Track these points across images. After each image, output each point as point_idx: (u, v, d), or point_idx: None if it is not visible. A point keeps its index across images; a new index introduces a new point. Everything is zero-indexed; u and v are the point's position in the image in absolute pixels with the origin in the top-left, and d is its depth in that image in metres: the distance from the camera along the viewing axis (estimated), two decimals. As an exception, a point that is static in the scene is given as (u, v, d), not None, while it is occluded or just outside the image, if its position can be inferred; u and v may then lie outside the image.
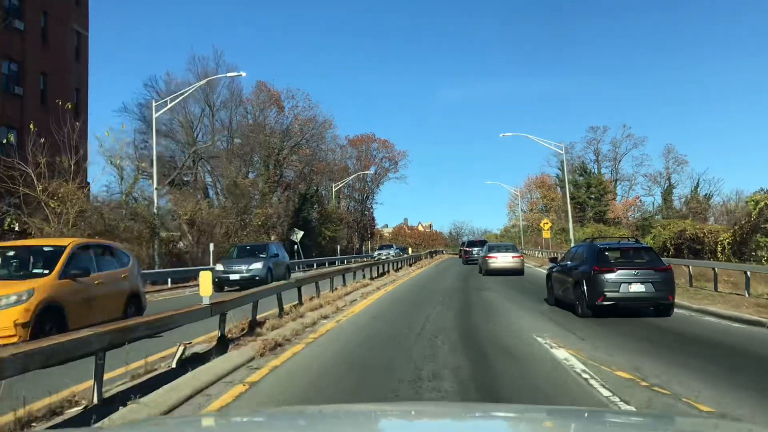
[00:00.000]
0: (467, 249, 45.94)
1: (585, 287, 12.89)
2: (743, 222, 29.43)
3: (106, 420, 5.47)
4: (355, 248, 68.92)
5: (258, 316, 11.27)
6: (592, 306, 12.82)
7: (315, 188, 57.69)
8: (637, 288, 12.64)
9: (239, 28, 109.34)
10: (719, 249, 29.84)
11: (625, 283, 12.60)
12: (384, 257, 44.46)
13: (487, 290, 20.80)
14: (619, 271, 12.74)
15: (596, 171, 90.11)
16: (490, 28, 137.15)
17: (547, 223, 55.86)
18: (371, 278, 23.89)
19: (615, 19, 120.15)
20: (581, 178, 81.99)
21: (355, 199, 74.60)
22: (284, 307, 13.05)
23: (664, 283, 12.78)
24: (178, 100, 28.10)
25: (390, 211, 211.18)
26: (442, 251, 79.70)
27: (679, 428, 2.86)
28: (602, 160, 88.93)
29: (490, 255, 28.90)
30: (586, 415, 3.57)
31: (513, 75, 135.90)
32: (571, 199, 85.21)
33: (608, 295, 12.60)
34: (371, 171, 74.18)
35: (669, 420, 3.50)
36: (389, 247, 62.01)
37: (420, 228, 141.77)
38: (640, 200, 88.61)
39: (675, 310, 14.25)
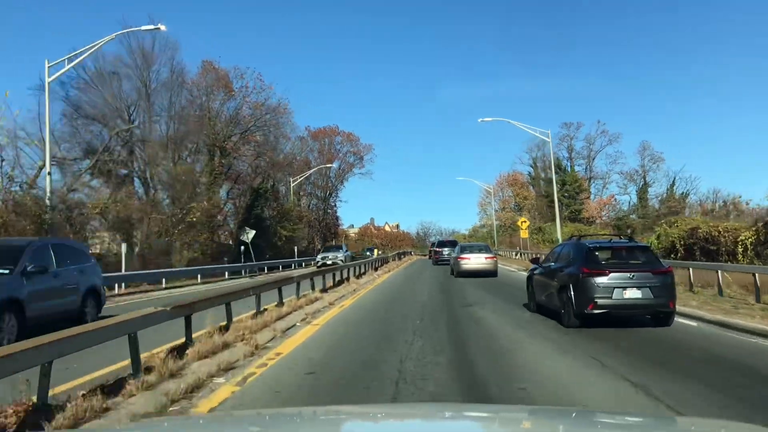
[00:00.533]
0: (437, 249, 44.21)
1: (572, 292, 11.20)
2: (768, 219, 24.88)
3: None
4: (317, 249, 62.89)
5: (87, 378, 5.55)
6: (580, 314, 11.07)
7: (271, 183, 51.63)
8: (632, 294, 10.92)
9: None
10: (740, 250, 25.15)
11: (619, 287, 10.92)
12: (330, 262, 38.04)
13: (475, 305, 15.45)
14: (612, 274, 11.02)
15: (569, 168, 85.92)
16: (462, 26, 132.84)
17: (524, 222, 50.99)
18: (323, 290, 18.20)
19: (592, 19, 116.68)
20: (555, 175, 77.48)
21: (317, 196, 68.55)
22: (157, 353, 7.34)
23: (663, 287, 11.03)
24: (78, 60, 22.05)
25: (356, 212, 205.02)
26: (411, 252, 74.35)
27: (679, 429, 2.73)
28: (575, 158, 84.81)
29: (463, 256, 27.19)
30: (573, 415, 3.32)
31: (483, 75, 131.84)
32: (545, 196, 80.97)
33: (599, 302, 10.88)
34: (334, 165, 68.42)
35: (670, 421, 3.40)
36: (337, 248, 47.50)
37: (387, 228, 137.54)
38: (615, 199, 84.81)
39: (734, 335, 10.63)
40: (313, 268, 29.66)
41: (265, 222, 46.78)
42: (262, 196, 46.61)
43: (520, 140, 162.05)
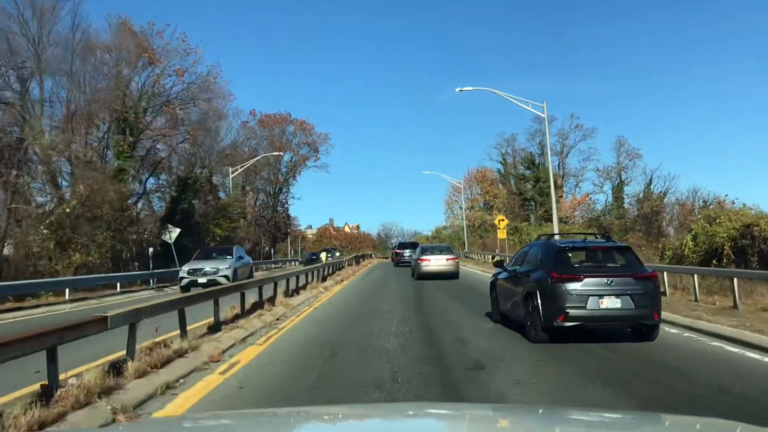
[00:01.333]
0: (398, 251, 42.80)
1: (539, 301, 9.51)
2: None
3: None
4: (264, 252, 54.48)
5: None
6: (549, 327, 9.30)
7: (207, 173, 43.06)
8: (610, 303, 9.24)
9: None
10: (818, 255, 18.36)
11: (595, 295, 9.22)
12: (204, 280, 22.01)
13: (492, 364, 7.87)
14: (587, 280, 9.32)
15: (543, 164, 79.06)
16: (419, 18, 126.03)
17: (503, 220, 43.87)
18: (214, 326, 10.25)
19: (589, 19, 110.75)
20: (528, 171, 71.03)
21: (266, 192, 59.79)
22: None
23: (646, 295, 9.35)
24: None
25: (315, 212, 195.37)
26: (371, 255, 66.47)
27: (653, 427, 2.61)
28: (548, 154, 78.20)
29: (423, 258, 25.96)
30: (540, 411, 3.37)
31: (461, 74, 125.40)
32: (518, 194, 74.31)
33: (571, 312, 9.17)
34: (285, 156, 59.92)
35: (655, 418, 3.09)
36: (222, 254, 25.75)
37: (347, 229, 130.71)
38: (590, 198, 78.79)
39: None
40: (222, 282, 20.35)
41: (195, 219, 38.29)
42: (191, 188, 38.09)
43: (491, 133, 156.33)
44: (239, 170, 45.08)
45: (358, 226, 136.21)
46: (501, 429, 2.54)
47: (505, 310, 11.50)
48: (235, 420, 2.91)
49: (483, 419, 2.66)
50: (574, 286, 9.27)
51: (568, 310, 9.20)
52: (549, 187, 71.19)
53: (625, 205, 75.39)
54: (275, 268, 46.90)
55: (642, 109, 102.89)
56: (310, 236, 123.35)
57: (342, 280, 26.03)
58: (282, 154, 51.73)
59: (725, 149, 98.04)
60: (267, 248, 56.68)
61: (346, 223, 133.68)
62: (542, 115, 29.09)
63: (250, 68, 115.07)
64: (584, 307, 9.21)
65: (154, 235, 36.03)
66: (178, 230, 34.55)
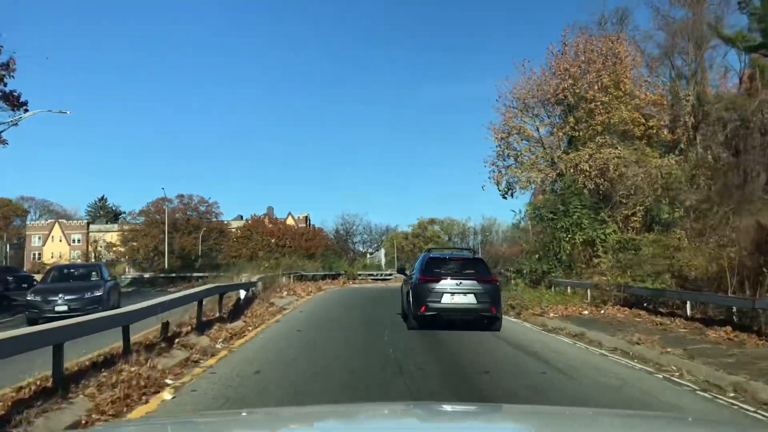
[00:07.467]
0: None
1: (411, 297, 13.60)
2: None
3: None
4: None
5: None
6: (416, 316, 13.25)
7: None
8: (459, 299, 13.07)
9: None
10: None
11: (448, 293, 13.05)
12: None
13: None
14: (443, 281, 13.20)
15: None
16: None
17: None
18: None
19: None
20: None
21: None
22: None
23: (486, 294, 13.17)
24: None
25: (250, 199, 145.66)
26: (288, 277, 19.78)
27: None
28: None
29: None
30: (534, 411, 3.45)
31: None
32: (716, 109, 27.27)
33: (430, 305, 13.03)
34: None
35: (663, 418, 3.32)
36: None
37: (290, 222, 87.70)
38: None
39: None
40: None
41: None
42: None
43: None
44: None
45: (306, 218, 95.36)
46: (504, 428, 2.55)
47: (404, 307, 15.17)
48: (223, 419, 2.98)
49: (486, 419, 2.70)
50: (433, 286, 13.06)
51: (428, 303, 12.96)
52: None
53: None
54: None
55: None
56: (235, 230, 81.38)
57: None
58: None
59: None
60: None
61: (289, 213, 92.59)
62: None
63: None
64: (439, 302, 12.96)
65: None
66: None
